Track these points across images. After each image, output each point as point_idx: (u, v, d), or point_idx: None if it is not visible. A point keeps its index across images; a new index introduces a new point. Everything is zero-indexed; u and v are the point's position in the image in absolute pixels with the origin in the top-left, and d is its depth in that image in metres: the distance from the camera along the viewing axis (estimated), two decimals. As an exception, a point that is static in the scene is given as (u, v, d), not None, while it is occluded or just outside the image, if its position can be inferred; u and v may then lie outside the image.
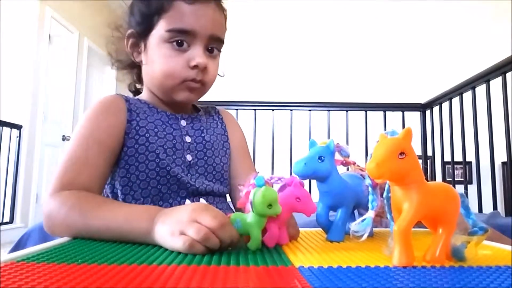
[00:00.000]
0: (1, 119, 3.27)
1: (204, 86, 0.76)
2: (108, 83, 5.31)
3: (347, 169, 0.66)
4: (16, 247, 1.34)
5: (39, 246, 0.46)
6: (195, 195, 0.74)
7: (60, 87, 4.22)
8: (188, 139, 0.78)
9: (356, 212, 0.63)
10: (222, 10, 0.78)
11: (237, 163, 0.84)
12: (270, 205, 0.47)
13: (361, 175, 0.60)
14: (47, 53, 3.92)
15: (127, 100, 0.76)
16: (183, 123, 0.80)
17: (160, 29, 0.73)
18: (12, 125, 3.39)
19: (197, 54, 0.72)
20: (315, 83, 4.42)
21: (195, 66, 0.72)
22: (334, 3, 4.58)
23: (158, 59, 0.73)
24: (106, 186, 0.75)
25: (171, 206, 0.69)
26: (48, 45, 3.93)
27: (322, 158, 0.55)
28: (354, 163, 0.62)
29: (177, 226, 0.47)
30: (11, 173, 3.40)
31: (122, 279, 0.33)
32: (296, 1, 4.59)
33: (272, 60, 4.54)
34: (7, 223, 3.30)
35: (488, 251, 0.48)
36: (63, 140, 4.30)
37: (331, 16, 4.59)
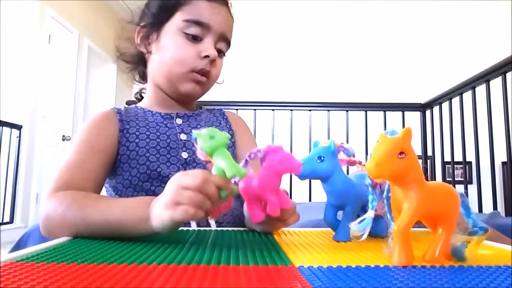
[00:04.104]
0: (1, 119, 3.27)
1: (209, 80, 0.79)
2: (108, 83, 5.31)
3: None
4: (16, 247, 1.34)
5: (39, 246, 0.46)
6: None
7: (60, 87, 4.22)
8: (183, 136, 0.79)
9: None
10: (232, 17, 0.83)
11: None
12: (212, 137, 0.47)
13: None
14: (47, 53, 3.92)
15: (118, 112, 0.79)
16: (178, 121, 0.81)
17: (177, 19, 0.77)
18: (12, 125, 3.39)
19: (208, 46, 0.76)
20: (315, 83, 4.42)
21: (206, 57, 0.76)
22: (334, 3, 4.58)
23: (171, 47, 0.77)
24: (107, 193, 0.78)
25: None
26: (48, 45, 3.93)
27: (322, 158, 0.55)
28: (360, 162, 0.61)
29: (166, 198, 0.48)
30: (11, 173, 3.40)
31: (121, 279, 0.33)
32: (297, 1, 4.59)
33: (272, 60, 4.55)
34: (7, 223, 3.30)
35: (488, 251, 0.48)
36: (63, 140, 4.30)
37: (331, 16, 4.59)
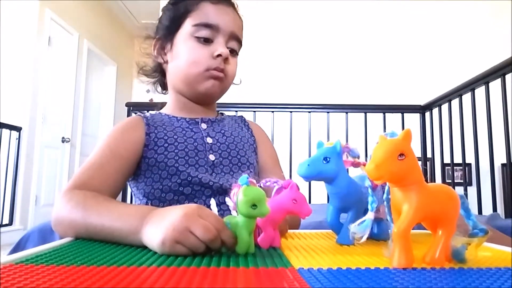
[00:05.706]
0: (1, 121, 3.27)
1: (226, 77, 0.82)
2: (108, 84, 5.31)
3: None
4: (16, 249, 1.33)
5: (38, 248, 0.46)
6: (220, 193, 0.76)
7: (59, 88, 4.22)
8: (209, 140, 0.82)
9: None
10: (240, 17, 0.87)
11: (269, 175, 0.86)
12: (254, 205, 0.44)
13: None
14: (47, 54, 3.93)
15: (144, 116, 0.83)
16: (203, 126, 0.84)
17: (187, 26, 0.81)
18: (11, 127, 3.39)
19: (220, 46, 0.80)
20: (314, 84, 4.42)
21: (218, 56, 0.79)
22: (334, 5, 4.59)
23: (184, 51, 0.81)
24: (134, 197, 0.81)
25: None
26: (47, 46, 3.93)
27: (328, 159, 0.53)
28: (365, 164, 0.60)
29: (168, 233, 0.45)
30: (11, 174, 3.39)
31: (121, 281, 0.33)
32: (296, 2, 4.60)
33: (271, 62, 4.55)
34: (6, 225, 3.29)
35: (488, 253, 0.48)
36: (63, 142, 4.30)
37: (331, 18, 4.60)
